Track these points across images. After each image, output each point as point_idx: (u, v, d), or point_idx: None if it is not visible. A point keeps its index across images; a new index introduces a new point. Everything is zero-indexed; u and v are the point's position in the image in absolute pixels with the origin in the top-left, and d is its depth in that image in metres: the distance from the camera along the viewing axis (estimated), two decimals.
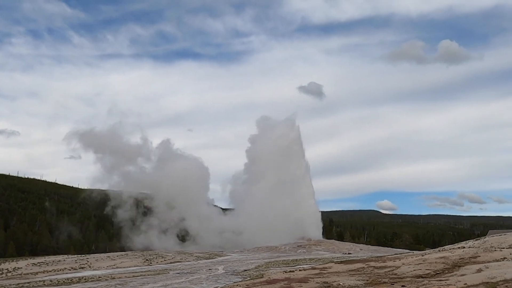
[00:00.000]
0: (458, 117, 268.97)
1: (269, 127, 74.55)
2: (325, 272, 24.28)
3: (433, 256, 25.49)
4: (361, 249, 53.71)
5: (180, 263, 38.20)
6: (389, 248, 64.17)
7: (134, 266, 36.50)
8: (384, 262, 26.65)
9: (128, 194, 74.42)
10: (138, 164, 79.38)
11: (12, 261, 42.24)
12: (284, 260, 36.95)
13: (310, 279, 21.20)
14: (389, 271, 22.76)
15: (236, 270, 29.30)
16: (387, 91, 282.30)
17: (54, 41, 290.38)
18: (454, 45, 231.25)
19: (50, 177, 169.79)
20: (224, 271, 28.91)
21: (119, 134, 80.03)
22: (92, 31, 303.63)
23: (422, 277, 19.74)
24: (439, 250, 29.66)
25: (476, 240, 31.61)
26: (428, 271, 21.00)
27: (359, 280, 19.74)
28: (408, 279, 19.56)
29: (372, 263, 26.44)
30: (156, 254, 43.10)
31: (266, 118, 76.83)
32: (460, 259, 23.74)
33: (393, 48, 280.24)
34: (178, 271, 29.99)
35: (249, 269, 29.30)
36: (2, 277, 34.21)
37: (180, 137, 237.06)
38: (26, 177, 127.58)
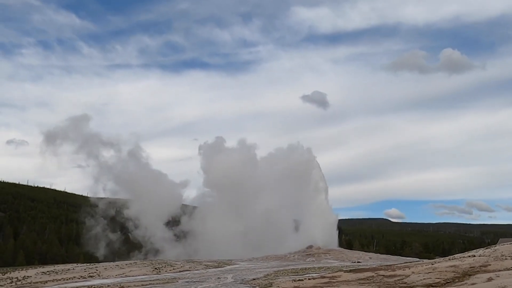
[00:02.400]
0: (465, 126, 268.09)
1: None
2: (334, 281, 24.19)
3: (443, 265, 25.33)
4: (370, 258, 53.46)
5: (189, 271, 38.13)
6: (399, 256, 63.77)
7: (143, 275, 36.47)
8: (393, 270, 26.50)
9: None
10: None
11: (22, 269, 42.36)
12: (293, 268, 36.81)
13: None
14: (398, 280, 22.63)
15: (245, 278, 29.21)
16: (392, 100, 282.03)
17: (64, 51, 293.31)
18: (456, 54, 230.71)
19: (59, 186, 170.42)
20: (233, 280, 28.84)
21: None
22: (101, 41, 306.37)
23: (432, 286, 19.62)
24: (449, 259, 29.44)
25: (487, 248, 31.37)
26: (438, 280, 20.87)
27: None
28: None
29: (382, 272, 26.30)
30: (165, 263, 43.07)
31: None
32: (470, 267, 23.57)
33: (396, 58, 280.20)
34: (187, 280, 29.96)
35: (258, 278, 29.19)
36: (12, 285, 34.30)
37: (186, 147, 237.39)
38: (36, 185, 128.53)
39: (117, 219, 76.02)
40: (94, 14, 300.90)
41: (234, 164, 72.56)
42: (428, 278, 21.59)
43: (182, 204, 78.19)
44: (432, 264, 26.76)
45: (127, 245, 74.49)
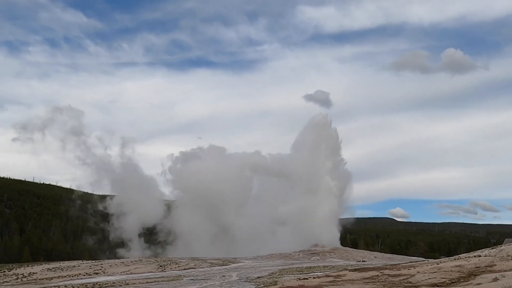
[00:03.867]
0: (469, 125, 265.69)
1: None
2: (339, 279, 24.19)
3: (449, 265, 25.28)
4: (375, 257, 53.42)
5: (193, 269, 38.22)
6: (404, 256, 63.64)
7: (148, 272, 36.58)
8: (398, 270, 26.47)
9: None
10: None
11: (27, 266, 42.52)
12: (298, 267, 36.83)
13: (324, 287, 21.17)
14: (403, 279, 22.61)
15: (250, 277, 29.26)
16: (395, 100, 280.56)
17: (71, 49, 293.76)
18: (459, 54, 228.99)
19: (65, 183, 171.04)
20: (237, 278, 28.89)
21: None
22: (108, 39, 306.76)
23: (437, 286, 19.59)
24: (455, 259, 29.39)
25: (492, 248, 31.27)
26: (444, 280, 20.83)
27: None
28: (423, 287, 19.43)
29: (387, 271, 26.28)
30: (169, 260, 43.16)
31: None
32: (476, 267, 23.51)
33: (399, 57, 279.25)
34: (191, 278, 30.04)
35: (262, 276, 29.24)
36: (17, 282, 34.47)
37: (190, 145, 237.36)
38: (42, 182, 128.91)
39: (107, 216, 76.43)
40: (101, 13, 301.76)
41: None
42: (433, 278, 21.55)
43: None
44: (437, 264, 26.70)
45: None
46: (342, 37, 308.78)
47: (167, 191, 79.04)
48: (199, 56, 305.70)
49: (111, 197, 76.58)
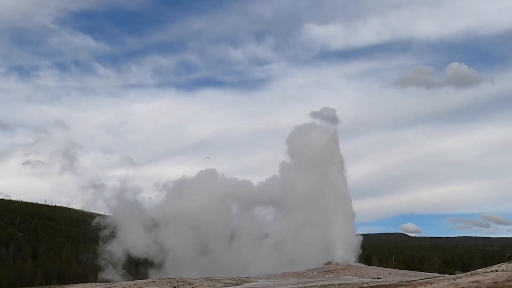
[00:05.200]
0: (479, 139, 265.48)
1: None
2: None
3: (466, 280, 25.00)
4: (389, 273, 52.75)
5: None
6: (418, 272, 62.77)
7: None
8: (415, 286, 26.27)
9: None
10: None
11: None
12: (313, 286, 36.52)
13: None
14: None
15: None
16: (403, 115, 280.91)
17: (80, 73, 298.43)
18: (463, 68, 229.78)
19: (76, 205, 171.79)
20: None
21: None
22: (117, 62, 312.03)
23: None
24: (471, 274, 29.02)
25: (509, 263, 30.88)
26: None
27: None
28: None
29: None
30: (183, 281, 42.96)
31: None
32: (494, 283, 23.22)
33: (405, 73, 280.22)
34: None
35: None
36: None
37: (200, 165, 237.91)
38: (54, 205, 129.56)
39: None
40: (109, 36, 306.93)
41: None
42: None
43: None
44: (454, 280, 26.40)
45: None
46: (348, 54, 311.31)
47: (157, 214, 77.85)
48: (207, 76, 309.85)
49: (104, 217, 76.35)
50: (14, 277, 69.54)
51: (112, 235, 70.27)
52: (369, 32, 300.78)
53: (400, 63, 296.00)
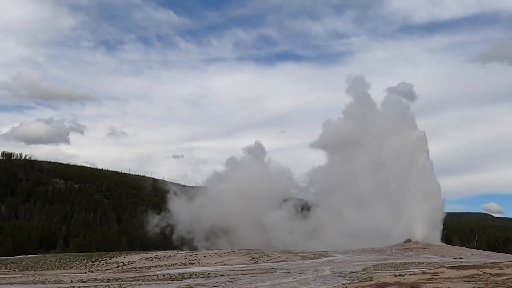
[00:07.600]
0: None
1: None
2: (437, 277, 23.27)
3: None
4: (472, 254, 50.93)
5: (285, 262, 38.37)
6: (503, 253, 60.17)
7: (241, 264, 37.17)
8: (501, 269, 25.09)
9: None
10: None
11: (126, 255, 44.61)
12: (392, 263, 35.88)
13: (422, 284, 20.43)
14: (507, 279, 21.30)
15: (343, 271, 28.87)
16: (487, 91, 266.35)
17: (162, 47, 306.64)
18: None
19: (158, 175, 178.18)
20: (330, 272, 28.60)
21: None
22: (198, 36, 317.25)
23: None
24: None
25: None
26: None
27: None
28: None
29: (488, 270, 24.98)
30: (261, 253, 43.54)
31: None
32: None
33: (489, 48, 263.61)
34: (285, 271, 30.11)
35: (356, 271, 28.74)
36: (118, 269, 36.29)
37: (275, 138, 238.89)
38: (137, 174, 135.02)
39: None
40: (190, 11, 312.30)
41: None
42: None
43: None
44: None
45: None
46: (431, 27, 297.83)
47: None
48: (286, 50, 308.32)
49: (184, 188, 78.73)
50: (100, 241, 73.37)
51: (192, 205, 72.54)
52: (454, 3, 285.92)
53: (486, 37, 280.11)
